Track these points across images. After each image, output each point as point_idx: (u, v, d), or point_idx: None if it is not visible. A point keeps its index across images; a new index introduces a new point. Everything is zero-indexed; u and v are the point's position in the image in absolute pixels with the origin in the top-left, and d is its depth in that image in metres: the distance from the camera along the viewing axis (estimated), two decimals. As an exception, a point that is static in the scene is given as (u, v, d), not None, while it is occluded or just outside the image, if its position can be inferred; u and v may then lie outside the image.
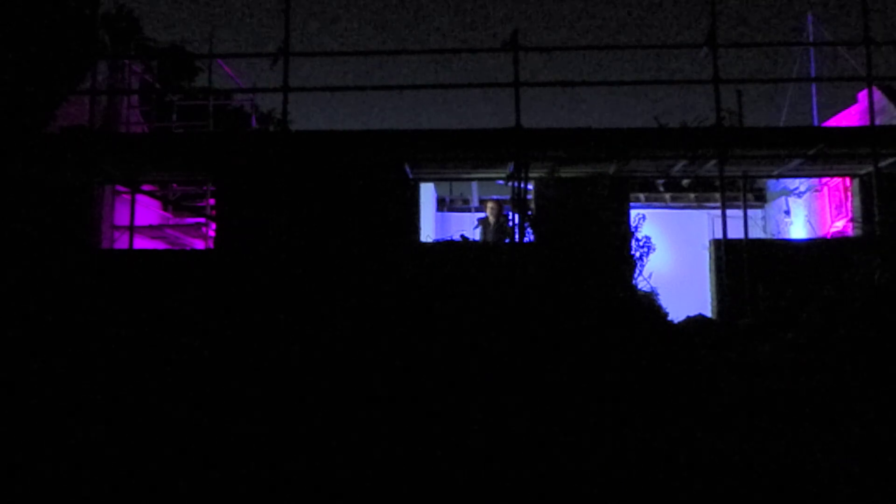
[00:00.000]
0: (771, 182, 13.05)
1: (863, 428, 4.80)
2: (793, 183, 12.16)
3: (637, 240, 8.46)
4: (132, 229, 9.93)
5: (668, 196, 13.30)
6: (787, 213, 12.64)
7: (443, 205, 14.11)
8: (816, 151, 9.31)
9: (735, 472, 3.91)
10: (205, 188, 12.09)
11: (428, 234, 10.78)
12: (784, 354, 6.88)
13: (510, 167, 9.39)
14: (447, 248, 9.04)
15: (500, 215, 10.28)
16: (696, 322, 8.59)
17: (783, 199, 12.77)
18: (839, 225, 11.09)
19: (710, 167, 9.71)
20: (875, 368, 5.98)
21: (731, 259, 9.19)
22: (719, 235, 9.29)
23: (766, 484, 3.72)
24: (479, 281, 7.84)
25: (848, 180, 10.69)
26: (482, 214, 11.00)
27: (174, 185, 12.92)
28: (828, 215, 11.57)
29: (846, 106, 11.38)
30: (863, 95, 9.97)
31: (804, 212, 12.22)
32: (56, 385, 6.02)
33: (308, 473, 3.93)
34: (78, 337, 7.37)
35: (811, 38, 11.89)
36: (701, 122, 9.22)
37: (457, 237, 9.24)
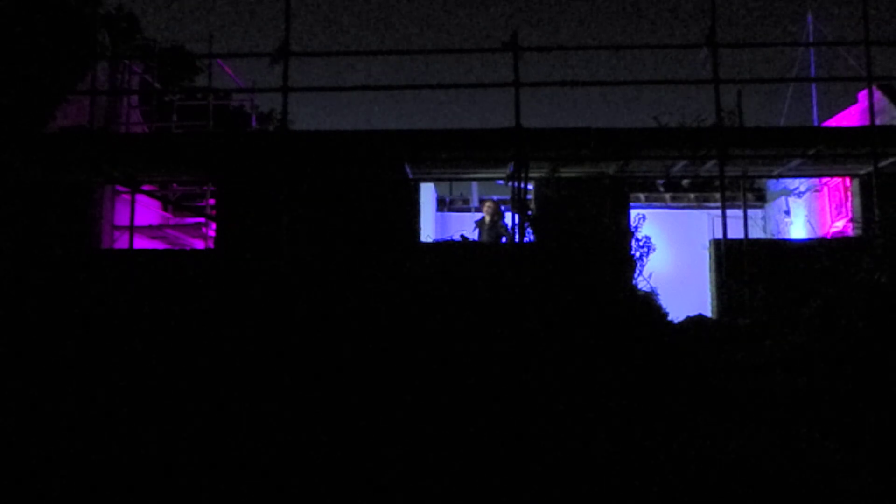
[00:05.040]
0: (771, 182, 13.04)
1: (863, 428, 4.80)
2: (793, 183, 12.16)
3: (637, 240, 8.46)
4: (132, 229, 9.92)
5: (668, 196, 13.30)
6: (787, 213, 12.64)
7: (443, 205, 14.11)
8: (816, 151, 9.31)
9: (735, 471, 3.91)
10: (205, 188, 12.09)
11: (428, 234, 10.77)
12: (784, 354, 6.88)
13: (510, 167, 9.38)
14: (447, 248, 9.05)
15: (496, 214, 10.28)
16: (696, 322, 8.59)
17: (783, 199, 12.77)
18: (839, 225, 11.09)
19: (710, 167, 9.71)
20: (875, 368, 5.98)
21: (731, 259, 9.19)
22: (719, 235, 9.28)
23: (767, 484, 3.72)
24: (478, 281, 7.84)
25: (848, 180, 10.68)
26: (481, 215, 11.01)
27: (174, 185, 12.92)
28: (828, 215, 11.57)
29: (846, 106, 11.38)
30: (863, 95, 9.97)
31: (804, 212, 12.22)
32: (55, 385, 6.02)
33: (309, 471, 3.93)
34: (78, 337, 7.37)
35: (811, 38, 11.89)
36: (701, 122, 9.22)
37: (457, 237, 9.24)
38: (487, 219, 10.35)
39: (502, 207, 10.74)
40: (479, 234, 10.45)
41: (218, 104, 14.73)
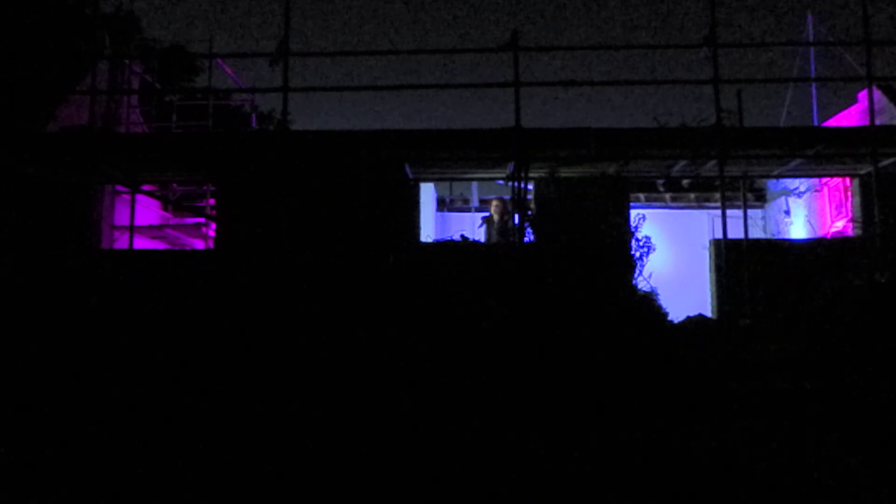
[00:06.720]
0: (771, 182, 13.04)
1: (863, 427, 4.80)
2: (793, 183, 12.16)
3: (637, 240, 8.47)
4: (132, 229, 9.92)
5: (668, 196, 13.29)
6: (787, 213, 12.63)
7: (443, 205, 14.10)
8: (816, 151, 9.31)
9: (735, 471, 3.91)
10: (205, 188, 12.08)
11: (428, 234, 10.77)
12: (784, 354, 6.88)
13: (510, 167, 9.38)
14: (447, 248, 9.04)
15: (505, 213, 10.28)
16: (696, 322, 8.59)
17: (783, 199, 12.76)
18: (839, 225, 11.09)
19: (710, 167, 9.71)
20: (875, 368, 5.98)
21: (731, 259, 9.19)
22: (719, 235, 9.28)
23: (767, 483, 3.72)
24: (478, 281, 7.85)
25: (848, 180, 10.68)
26: (485, 213, 11.01)
27: (174, 185, 12.92)
28: (828, 215, 11.56)
29: (846, 106, 11.37)
30: (863, 95, 9.96)
31: (804, 212, 12.21)
32: (55, 384, 6.02)
33: (308, 468, 3.93)
34: (78, 336, 7.37)
35: (811, 38, 11.88)
36: (701, 122, 9.22)
37: (457, 237, 9.24)
38: (496, 217, 10.35)
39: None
40: (487, 232, 10.45)
41: (218, 104, 14.71)
